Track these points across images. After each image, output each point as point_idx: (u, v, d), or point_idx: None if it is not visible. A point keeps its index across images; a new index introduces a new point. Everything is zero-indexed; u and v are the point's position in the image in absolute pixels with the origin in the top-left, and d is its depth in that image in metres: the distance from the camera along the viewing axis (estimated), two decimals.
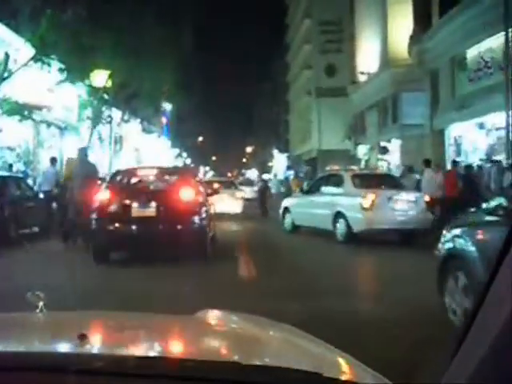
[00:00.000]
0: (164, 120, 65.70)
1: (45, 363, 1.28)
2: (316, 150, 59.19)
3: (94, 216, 10.71)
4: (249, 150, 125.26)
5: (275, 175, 71.23)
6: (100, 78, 31.80)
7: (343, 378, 1.45)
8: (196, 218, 10.65)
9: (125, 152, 43.47)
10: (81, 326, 1.69)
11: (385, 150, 33.83)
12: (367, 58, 38.35)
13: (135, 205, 10.53)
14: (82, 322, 1.94)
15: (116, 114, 37.96)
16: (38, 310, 1.90)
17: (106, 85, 32.44)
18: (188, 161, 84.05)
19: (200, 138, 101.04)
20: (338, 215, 14.21)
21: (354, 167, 26.44)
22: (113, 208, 10.64)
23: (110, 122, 29.16)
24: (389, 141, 34.19)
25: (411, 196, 14.22)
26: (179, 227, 10.40)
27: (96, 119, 27.36)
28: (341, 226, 14.12)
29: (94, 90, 26.91)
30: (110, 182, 11.81)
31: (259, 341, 1.94)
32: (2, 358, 1.33)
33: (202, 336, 1.92)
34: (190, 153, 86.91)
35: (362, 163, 39.58)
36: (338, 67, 58.48)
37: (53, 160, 18.31)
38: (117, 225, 10.53)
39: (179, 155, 74.29)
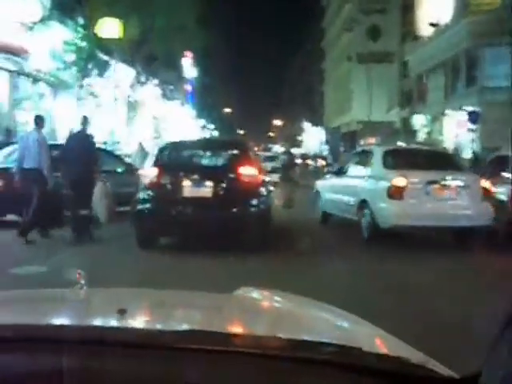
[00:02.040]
0: (188, 87, 59.03)
1: (85, 336, 1.27)
2: (356, 121, 52.57)
3: (140, 196, 9.44)
4: (277, 123, 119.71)
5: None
6: (109, 27, 25.30)
7: (382, 351, 1.48)
8: (257, 200, 9.36)
9: (141, 119, 36.63)
10: (121, 302, 1.70)
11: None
12: (433, 6, 30.77)
13: (188, 183, 9.17)
14: (121, 298, 1.96)
15: (127, 72, 31.22)
16: (78, 287, 1.83)
17: (117, 36, 26.03)
18: (215, 133, 78.13)
19: (227, 110, 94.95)
20: (363, 204, 10.44)
21: (400, 143, 19.77)
22: (162, 187, 9.29)
23: (104, 70, 22.08)
24: (460, 108, 26.89)
25: (462, 180, 10.05)
26: (238, 210, 9.08)
27: (85, 67, 20.25)
28: (365, 218, 10.32)
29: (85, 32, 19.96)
30: (158, 156, 10.04)
31: (298, 317, 1.90)
32: (45, 329, 1.34)
33: (240, 312, 1.92)
34: (217, 125, 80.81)
35: (422, 136, 32.45)
36: (383, 29, 51.51)
37: (38, 119, 10.37)
38: (166, 206, 9.15)
39: (205, 126, 67.96)
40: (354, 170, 11.65)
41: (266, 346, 1.27)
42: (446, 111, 29.12)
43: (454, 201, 9.91)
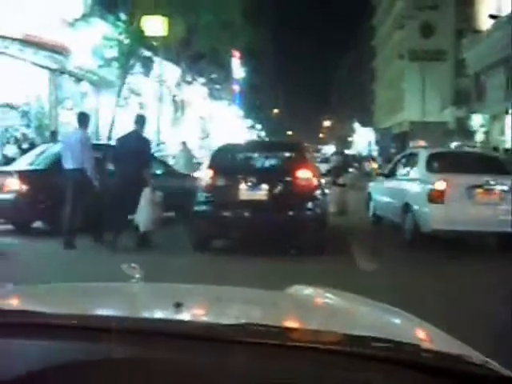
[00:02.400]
0: (236, 87, 58.24)
1: (142, 327, 1.31)
2: (408, 122, 50.88)
3: (196, 198, 9.29)
4: (326, 124, 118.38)
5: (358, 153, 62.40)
6: (154, 24, 24.61)
7: (439, 349, 1.38)
8: (313, 203, 9.08)
9: (187, 119, 35.88)
10: (176, 296, 1.67)
11: None
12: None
13: (243, 186, 9.00)
14: (177, 293, 1.99)
15: (172, 70, 30.52)
16: (134, 281, 1.87)
17: (162, 33, 25.32)
18: (262, 134, 77.24)
19: (275, 111, 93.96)
20: (406, 207, 10.36)
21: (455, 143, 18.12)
22: (217, 189, 9.13)
23: (147, 68, 21.29)
24: None
25: (506, 184, 9.70)
26: (294, 213, 8.91)
27: (126, 64, 19.44)
28: (408, 221, 10.24)
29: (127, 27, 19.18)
30: (213, 158, 9.84)
31: (352, 313, 1.90)
32: (104, 320, 1.38)
33: (293, 307, 1.94)
34: (265, 125, 79.86)
35: (480, 137, 30.69)
36: (436, 26, 49.87)
37: (82, 118, 9.72)
38: (221, 209, 9.04)
39: (252, 127, 67.09)
40: (401, 172, 11.64)
41: (320, 340, 1.27)
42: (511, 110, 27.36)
43: (498, 206, 9.62)
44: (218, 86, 41.58)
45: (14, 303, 1.73)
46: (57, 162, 9.46)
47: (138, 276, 1.88)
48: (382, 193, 12.52)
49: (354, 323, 1.69)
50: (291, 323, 1.67)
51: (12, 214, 9.93)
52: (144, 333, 1.28)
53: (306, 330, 1.44)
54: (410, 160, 11.40)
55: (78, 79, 20.42)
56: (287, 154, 10.23)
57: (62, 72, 19.22)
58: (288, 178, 9.10)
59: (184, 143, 18.74)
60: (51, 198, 9.54)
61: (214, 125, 43.58)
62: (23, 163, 10.81)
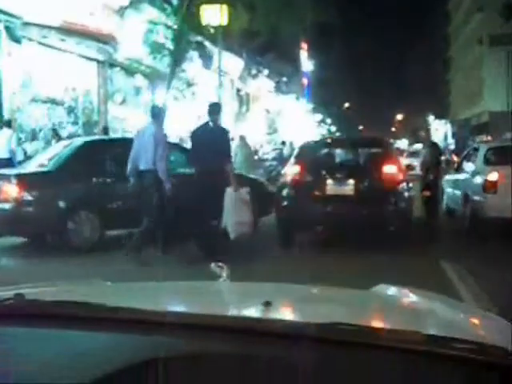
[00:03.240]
0: (305, 81, 56.14)
1: (234, 325, 1.35)
2: (488, 112, 47.32)
3: (283, 193, 9.47)
4: (399, 117, 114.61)
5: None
6: (213, 13, 22.95)
7: None
8: (398, 199, 9.21)
9: (253, 114, 34.08)
10: (265, 295, 1.72)
11: None
12: None
13: (330, 181, 9.22)
14: (265, 292, 2.02)
15: (235, 62, 28.75)
16: (222, 280, 1.95)
17: (222, 23, 23.66)
18: (332, 128, 74.80)
19: (346, 105, 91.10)
20: (466, 198, 11.26)
21: None
22: (304, 185, 9.28)
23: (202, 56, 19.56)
24: None
25: None
26: (379, 208, 9.02)
27: (176, 51, 17.65)
28: (466, 211, 11.10)
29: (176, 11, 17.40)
30: (299, 155, 10.05)
31: (438, 313, 1.85)
32: (196, 318, 1.41)
33: (379, 307, 1.94)
34: (335, 120, 77.35)
35: None
36: None
37: (155, 111, 8.76)
38: (309, 204, 9.14)
39: (322, 121, 64.81)
40: (466, 166, 12.29)
41: (407, 340, 1.26)
42: None
43: None
44: (284, 79, 39.54)
45: (114, 300, 1.64)
46: (72, 161, 7.72)
47: (225, 275, 1.94)
48: (451, 186, 13.20)
49: (437, 323, 1.66)
50: (377, 323, 1.68)
51: (10, 227, 8.17)
52: (237, 331, 1.30)
53: (392, 330, 1.41)
54: (473, 154, 12.10)
55: (130, 72, 18.87)
56: (372, 150, 10.86)
57: (111, 64, 17.72)
58: (373, 173, 9.34)
59: (242, 137, 16.83)
60: (62, 207, 7.75)
61: (282, 119, 41.59)
62: (34, 164, 9.11)
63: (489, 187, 10.37)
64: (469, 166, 11.92)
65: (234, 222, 8.00)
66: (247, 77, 33.38)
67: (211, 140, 8.11)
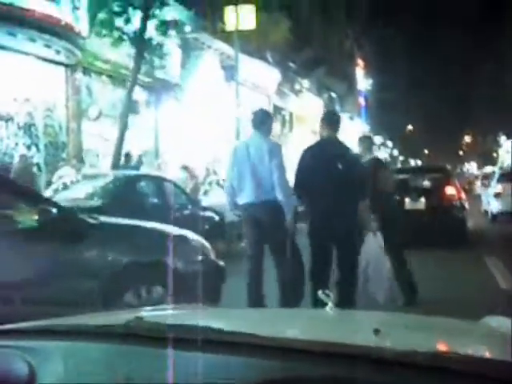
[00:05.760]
0: (361, 101, 51.12)
1: (347, 352, 1.36)
2: None
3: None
4: (467, 139, 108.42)
5: (501, 168, 52.70)
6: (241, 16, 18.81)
7: None
8: (456, 211, 12.46)
9: (297, 136, 29.16)
10: (373, 323, 1.80)
11: None
12: None
13: (408, 200, 12.35)
14: (373, 320, 2.06)
15: (269, 74, 24.12)
16: (327, 308, 1.95)
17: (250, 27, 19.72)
18: (395, 152, 69.34)
19: (409, 127, 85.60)
20: None
21: None
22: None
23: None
24: None
25: None
26: (443, 218, 12.10)
27: (140, 39, 12.38)
28: None
29: None
30: None
31: None
32: (308, 345, 1.41)
33: (488, 339, 1.86)
34: (397, 143, 71.96)
35: None
36: None
37: (263, 117, 6.25)
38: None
39: (383, 144, 59.55)
40: None
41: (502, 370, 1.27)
42: None
43: None
44: (333, 95, 34.59)
45: (224, 324, 1.71)
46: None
47: (331, 303, 1.93)
48: None
49: None
50: (486, 353, 1.63)
51: None
52: (349, 357, 1.32)
53: (497, 361, 1.37)
54: None
55: (116, 79, 14.36)
56: (436, 175, 14.19)
57: (86, 69, 13.29)
58: (438, 193, 12.74)
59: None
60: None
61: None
62: None
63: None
64: None
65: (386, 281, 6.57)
66: (290, 93, 28.67)
67: (336, 167, 5.88)
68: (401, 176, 13.16)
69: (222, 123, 18.91)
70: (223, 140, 18.06)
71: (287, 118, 29.13)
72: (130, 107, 12.81)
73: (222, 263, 5.54)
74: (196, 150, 17.89)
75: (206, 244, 5.34)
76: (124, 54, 13.02)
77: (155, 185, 9.26)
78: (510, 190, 16.91)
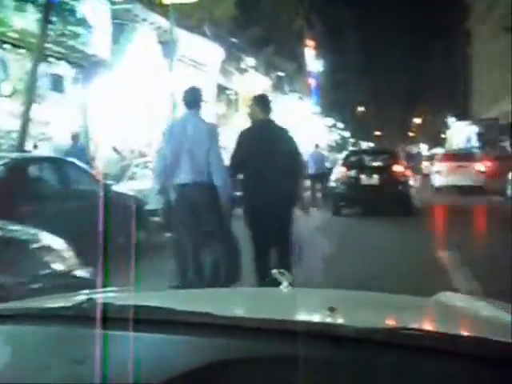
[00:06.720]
0: (312, 82, 50.27)
1: (299, 330, 1.33)
2: None
3: (335, 184, 15.40)
4: (417, 121, 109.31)
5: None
6: None
7: None
8: (403, 186, 15.01)
9: (241, 117, 28.12)
10: (328, 301, 1.77)
11: None
12: None
13: (363, 176, 15.06)
14: (327, 298, 2.05)
15: (212, 52, 22.97)
16: (283, 286, 1.93)
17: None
18: (346, 134, 68.90)
19: (360, 108, 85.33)
20: None
21: None
22: (348, 178, 15.29)
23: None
24: None
25: None
26: (393, 191, 14.62)
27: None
28: None
29: None
30: (345, 159, 16.41)
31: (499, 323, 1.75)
32: (260, 323, 1.40)
33: (442, 314, 1.91)
34: (348, 125, 71.51)
35: None
36: None
37: (195, 96, 5.91)
38: (351, 190, 15.05)
39: (334, 126, 58.95)
40: None
41: (461, 344, 1.27)
42: None
43: None
44: (281, 74, 33.55)
45: (184, 305, 1.64)
46: None
47: (287, 282, 1.91)
48: None
49: (498, 331, 1.53)
50: (441, 328, 1.59)
51: None
52: (300, 336, 1.29)
53: (459, 335, 1.39)
54: None
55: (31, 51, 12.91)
56: (386, 156, 16.61)
57: None
58: (388, 170, 15.23)
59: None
60: None
61: (282, 122, 35.65)
62: None
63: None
64: None
65: None
66: (234, 71, 27.54)
67: (273, 146, 5.91)
68: (357, 156, 16.78)
69: (158, 103, 17.67)
70: (159, 121, 16.89)
71: (233, 97, 28.02)
72: (49, 82, 11.51)
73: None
74: (128, 131, 16.70)
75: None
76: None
77: (54, 169, 8.12)
78: (448, 168, 22.07)
